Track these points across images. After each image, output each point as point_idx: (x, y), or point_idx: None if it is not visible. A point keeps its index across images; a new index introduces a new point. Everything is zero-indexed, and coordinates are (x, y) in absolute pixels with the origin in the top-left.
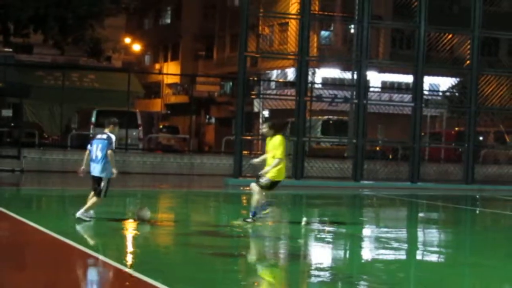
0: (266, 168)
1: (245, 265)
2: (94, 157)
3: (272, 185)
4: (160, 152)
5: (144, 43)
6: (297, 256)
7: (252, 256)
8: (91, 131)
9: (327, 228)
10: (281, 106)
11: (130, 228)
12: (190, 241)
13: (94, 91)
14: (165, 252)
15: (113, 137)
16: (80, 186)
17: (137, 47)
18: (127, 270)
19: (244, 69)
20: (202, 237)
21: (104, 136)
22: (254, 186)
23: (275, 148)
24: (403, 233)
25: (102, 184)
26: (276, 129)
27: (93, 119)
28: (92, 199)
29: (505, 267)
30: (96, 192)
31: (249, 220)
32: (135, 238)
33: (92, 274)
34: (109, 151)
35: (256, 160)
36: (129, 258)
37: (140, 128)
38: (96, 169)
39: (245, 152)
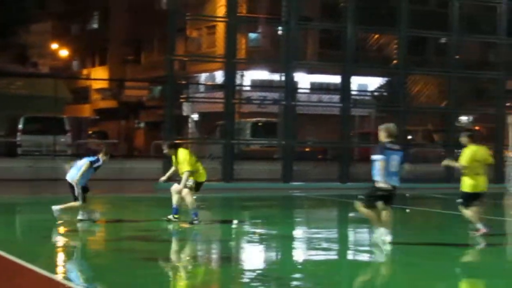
0: (181, 183)
1: (176, 268)
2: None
3: (197, 186)
4: None
5: (72, 48)
6: (228, 258)
7: (183, 259)
8: (18, 138)
9: (258, 230)
10: (210, 109)
11: (60, 235)
12: (122, 246)
13: (22, 97)
14: (95, 258)
15: (100, 162)
16: (5, 193)
17: (64, 53)
18: (55, 277)
19: (172, 73)
20: (134, 242)
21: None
22: (184, 191)
23: (180, 163)
24: (333, 234)
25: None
26: (175, 147)
27: (20, 126)
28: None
29: (435, 266)
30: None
31: (195, 222)
32: (65, 245)
33: (19, 283)
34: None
35: (163, 179)
36: (58, 265)
37: (69, 134)
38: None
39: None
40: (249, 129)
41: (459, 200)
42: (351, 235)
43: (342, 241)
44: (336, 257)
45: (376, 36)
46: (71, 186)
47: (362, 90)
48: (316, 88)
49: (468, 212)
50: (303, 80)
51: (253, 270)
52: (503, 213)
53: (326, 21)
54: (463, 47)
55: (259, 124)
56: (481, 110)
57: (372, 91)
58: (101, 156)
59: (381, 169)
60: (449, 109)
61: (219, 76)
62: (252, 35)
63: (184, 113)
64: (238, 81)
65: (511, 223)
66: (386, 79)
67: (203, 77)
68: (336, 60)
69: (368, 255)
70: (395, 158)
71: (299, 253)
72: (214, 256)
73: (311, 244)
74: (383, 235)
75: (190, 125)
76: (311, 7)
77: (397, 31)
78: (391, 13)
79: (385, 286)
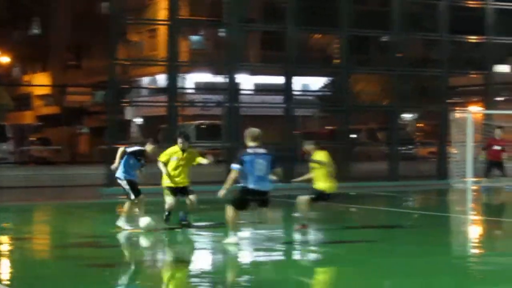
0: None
1: (123, 274)
2: None
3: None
4: (32, 165)
5: (12, 54)
6: (179, 262)
7: (131, 265)
8: None
9: (204, 233)
10: (153, 113)
11: (4, 244)
12: (67, 253)
13: None
14: (40, 266)
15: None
16: None
17: (5, 59)
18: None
19: (115, 77)
20: (79, 249)
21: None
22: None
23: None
24: (280, 233)
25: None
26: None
27: None
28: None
29: (383, 263)
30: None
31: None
32: (10, 253)
33: None
34: None
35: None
36: (2, 274)
37: (10, 141)
38: None
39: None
40: (193, 132)
41: (312, 196)
42: (298, 235)
43: (290, 240)
44: (283, 257)
45: (318, 36)
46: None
47: (305, 90)
48: (259, 89)
49: (303, 206)
50: (246, 81)
51: (200, 274)
52: (447, 209)
53: (268, 23)
54: (405, 45)
55: (203, 126)
56: (424, 107)
57: (315, 91)
58: (147, 147)
59: (232, 178)
60: (392, 107)
61: (161, 80)
62: (194, 38)
63: (127, 118)
64: (180, 84)
65: (455, 219)
66: (329, 78)
67: (145, 81)
68: (278, 61)
69: (316, 254)
70: (261, 163)
71: (247, 255)
72: (162, 260)
73: (257, 245)
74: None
75: (133, 129)
76: (253, 9)
77: (338, 31)
78: (332, 13)
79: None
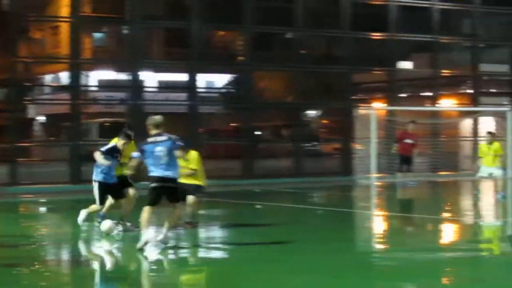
0: None
1: (29, 274)
2: None
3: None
4: None
5: None
6: (82, 261)
7: (37, 264)
8: None
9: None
10: (56, 111)
11: None
12: None
13: None
14: None
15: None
16: None
17: None
18: None
19: (16, 75)
20: None
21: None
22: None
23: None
24: (183, 232)
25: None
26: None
27: None
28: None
29: (289, 260)
30: None
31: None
32: None
33: None
34: None
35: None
36: None
37: None
38: None
39: (22, 159)
40: (96, 130)
41: (199, 194)
42: (203, 233)
43: (194, 239)
44: (188, 255)
45: (222, 33)
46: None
47: (210, 88)
48: (163, 86)
49: (193, 206)
50: (150, 79)
51: (105, 272)
52: (351, 205)
53: (171, 19)
54: (309, 42)
55: (106, 124)
56: (329, 104)
57: (219, 88)
58: (118, 142)
59: (132, 165)
60: (296, 104)
61: (64, 77)
62: (97, 35)
63: (30, 116)
64: (83, 82)
65: (359, 215)
66: (233, 75)
67: (48, 78)
68: (182, 58)
69: (221, 252)
70: (161, 150)
71: (151, 254)
72: (69, 259)
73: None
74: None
75: (35, 127)
76: (156, 5)
77: (242, 28)
78: (236, 10)
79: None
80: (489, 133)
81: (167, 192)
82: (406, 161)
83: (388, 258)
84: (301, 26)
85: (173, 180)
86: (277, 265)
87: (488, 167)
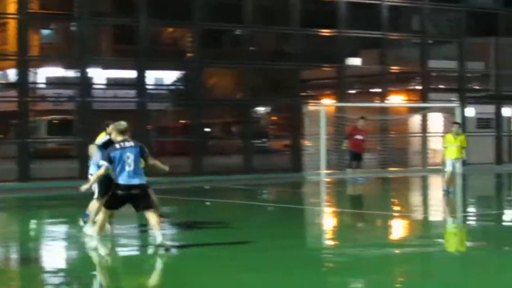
0: None
1: None
2: None
3: None
4: None
5: None
6: (29, 260)
7: None
8: None
9: (56, 229)
10: (4, 109)
11: None
12: None
13: None
14: None
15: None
16: None
17: None
18: None
19: None
20: None
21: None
22: None
23: None
24: (134, 229)
25: None
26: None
27: None
28: None
29: (240, 258)
30: None
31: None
32: None
33: None
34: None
35: None
36: None
37: None
38: None
39: None
40: (45, 127)
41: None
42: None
43: (142, 237)
44: (137, 252)
45: (171, 29)
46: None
47: (159, 84)
48: (112, 83)
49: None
50: (99, 75)
51: (52, 272)
52: (301, 201)
53: (120, 16)
54: (258, 38)
55: (55, 122)
56: (278, 100)
57: (168, 85)
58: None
59: (100, 174)
60: (245, 100)
61: (12, 74)
62: (45, 32)
63: None
64: (31, 79)
65: (309, 211)
66: (182, 72)
67: None
68: (131, 55)
69: (172, 250)
70: (129, 156)
71: (102, 251)
72: (13, 258)
73: (113, 242)
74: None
75: None
76: (104, 2)
77: (191, 24)
78: (185, 6)
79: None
80: (456, 123)
81: (134, 199)
82: (356, 157)
83: (338, 254)
84: (250, 22)
85: (140, 186)
86: (228, 262)
87: (452, 158)
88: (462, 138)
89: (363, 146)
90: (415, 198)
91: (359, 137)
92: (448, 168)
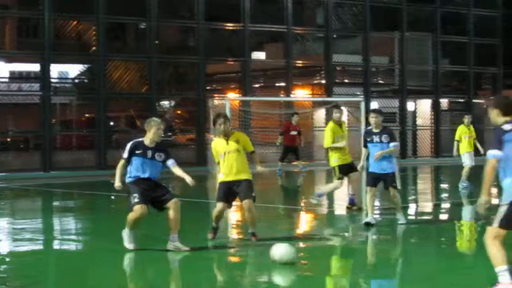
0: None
1: None
2: None
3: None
4: None
5: None
6: None
7: None
8: None
9: None
10: None
11: None
12: None
13: None
14: None
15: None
16: None
17: None
18: None
19: None
20: None
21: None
22: None
23: None
24: (38, 224)
25: None
26: None
27: None
28: None
29: (144, 250)
30: None
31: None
32: None
33: None
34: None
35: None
36: None
37: None
38: None
39: None
40: None
41: None
42: (57, 224)
43: (48, 230)
44: (41, 247)
45: (75, 23)
46: None
47: (63, 78)
48: (15, 77)
49: None
50: (2, 69)
51: None
52: (204, 195)
53: (23, 9)
54: (162, 32)
55: None
56: (182, 94)
57: (72, 79)
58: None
59: None
60: (150, 94)
61: None
62: None
63: None
64: None
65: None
66: (86, 66)
67: None
68: (34, 48)
69: (75, 243)
70: None
71: (3, 245)
72: None
73: (16, 235)
74: None
75: None
76: None
77: (95, 18)
78: (89, 0)
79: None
80: (468, 114)
81: None
82: (292, 151)
83: (243, 248)
84: (154, 16)
85: None
86: (133, 255)
87: (469, 151)
88: (473, 129)
89: (298, 141)
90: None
91: (294, 132)
92: (468, 163)
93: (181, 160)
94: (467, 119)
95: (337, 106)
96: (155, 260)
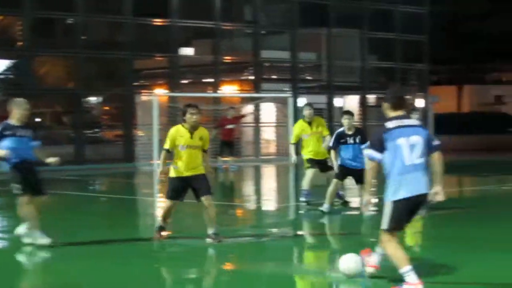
0: None
1: None
2: None
3: None
4: None
5: None
6: None
7: None
8: None
9: None
10: None
11: None
12: None
13: None
14: None
15: None
16: None
17: None
18: None
19: None
20: None
21: None
22: None
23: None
24: None
25: None
26: None
27: None
28: None
29: (73, 246)
30: None
31: None
32: None
33: None
34: None
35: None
36: None
37: None
38: None
39: None
40: None
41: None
42: None
43: None
44: None
45: (0, 17)
46: None
47: None
48: None
49: None
50: None
51: None
52: (134, 192)
53: None
54: (90, 27)
55: None
56: (110, 90)
57: None
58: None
59: None
60: (77, 90)
61: None
62: None
63: None
64: None
65: (142, 201)
66: (12, 61)
67: None
68: None
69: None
70: None
71: None
72: None
73: None
74: None
75: None
76: None
77: (21, 12)
78: None
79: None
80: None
81: None
82: (228, 146)
83: (172, 245)
84: (82, 11)
85: None
86: (62, 252)
87: None
88: None
89: (234, 135)
90: (249, 188)
91: (230, 126)
92: None
93: (108, 156)
94: (415, 115)
95: (309, 104)
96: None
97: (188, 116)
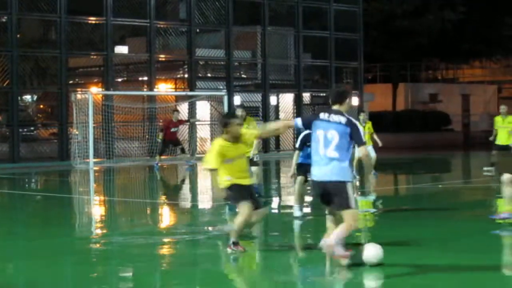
0: None
1: None
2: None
3: None
4: None
5: None
6: None
7: None
8: None
9: None
10: None
11: None
12: None
13: None
14: None
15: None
16: None
17: None
18: None
19: None
20: None
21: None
22: None
23: None
24: None
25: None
26: None
27: None
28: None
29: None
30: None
31: None
32: None
33: None
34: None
35: None
36: None
37: None
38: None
39: None
40: None
41: None
42: None
43: None
44: None
45: None
46: None
47: None
48: None
49: None
50: None
51: None
52: (69, 190)
53: None
54: (23, 25)
55: None
56: (44, 88)
57: None
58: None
59: None
60: (11, 88)
61: None
62: None
63: None
64: None
65: (77, 200)
66: None
67: None
68: None
69: None
70: None
71: None
72: None
73: None
74: None
75: None
76: None
77: None
78: None
79: None
80: (364, 112)
81: None
82: (173, 145)
83: (106, 243)
84: (15, 9)
85: None
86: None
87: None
88: (370, 126)
89: (178, 137)
90: (185, 186)
91: (174, 129)
92: (373, 154)
93: (43, 154)
94: (362, 116)
95: (241, 105)
96: None
97: (230, 128)
